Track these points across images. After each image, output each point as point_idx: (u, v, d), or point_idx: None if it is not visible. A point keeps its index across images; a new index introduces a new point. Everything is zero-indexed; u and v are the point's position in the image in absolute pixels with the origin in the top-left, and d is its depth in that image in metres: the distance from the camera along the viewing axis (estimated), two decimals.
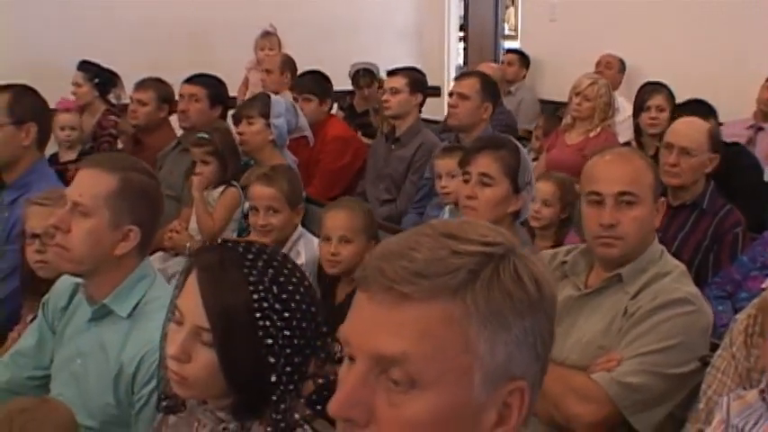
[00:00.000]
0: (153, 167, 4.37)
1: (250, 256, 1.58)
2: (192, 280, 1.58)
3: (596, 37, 6.60)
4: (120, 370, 2.12)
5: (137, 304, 2.19)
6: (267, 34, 6.06)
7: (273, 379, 1.55)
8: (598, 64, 6.36)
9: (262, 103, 4.00)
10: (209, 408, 1.65)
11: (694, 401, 2.28)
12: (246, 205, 3.91)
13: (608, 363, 2.21)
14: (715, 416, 1.95)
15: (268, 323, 1.54)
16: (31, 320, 2.75)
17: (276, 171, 3.36)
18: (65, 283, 2.38)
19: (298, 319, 1.57)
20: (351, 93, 6.70)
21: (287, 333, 1.56)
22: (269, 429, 1.56)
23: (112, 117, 5.54)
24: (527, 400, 1.01)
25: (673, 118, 4.48)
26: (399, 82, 4.69)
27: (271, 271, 1.58)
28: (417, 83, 4.76)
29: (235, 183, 3.88)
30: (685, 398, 2.29)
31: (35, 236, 2.69)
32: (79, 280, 2.28)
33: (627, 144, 4.75)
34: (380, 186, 4.71)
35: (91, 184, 2.17)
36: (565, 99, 5.82)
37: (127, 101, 5.61)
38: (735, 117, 5.08)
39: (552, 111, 6.41)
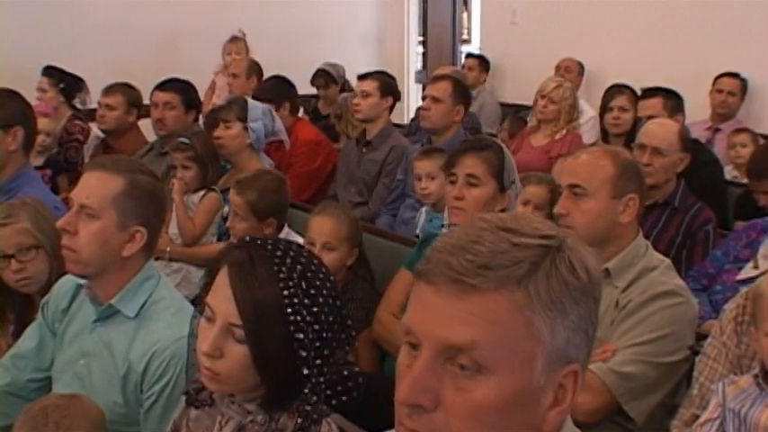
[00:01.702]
0: None
1: (279, 253, 1.61)
2: (223, 277, 1.61)
3: (556, 41, 6.75)
4: (129, 369, 2.14)
5: (143, 304, 2.21)
6: (235, 39, 6.07)
7: (306, 372, 1.58)
8: (557, 68, 6.50)
9: (239, 107, 4.01)
10: (237, 400, 1.68)
11: (682, 389, 2.40)
12: (226, 209, 3.94)
13: (603, 353, 2.31)
14: (711, 401, 2.06)
15: (299, 318, 1.57)
16: (14, 333, 2.73)
17: (253, 180, 3.39)
18: (65, 284, 2.38)
19: (325, 313, 1.61)
20: (315, 96, 6.75)
21: (316, 327, 1.59)
22: (299, 420, 1.60)
23: (78, 122, 5.51)
24: (579, 381, 1.08)
25: (638, 100, 4.64)
26: (370, 85, 4.74)
27: (299, 267, 1.61)
28: (388, 86, 4.81)
29: (214, 187, 3.90)
30: (674, 386, 2.41)
31: (9, 257, 2.63)
32: (81, 281, 2.29)
33: (593, 145, 4.86)
34: (352, 189, 4.76)
35: (98, 186, 2.18)
36: (525, 102, 5.96)
37: (92, 106, 5.59)
38: (693, 119, 5.25)
39: (513, 114, 6.54)
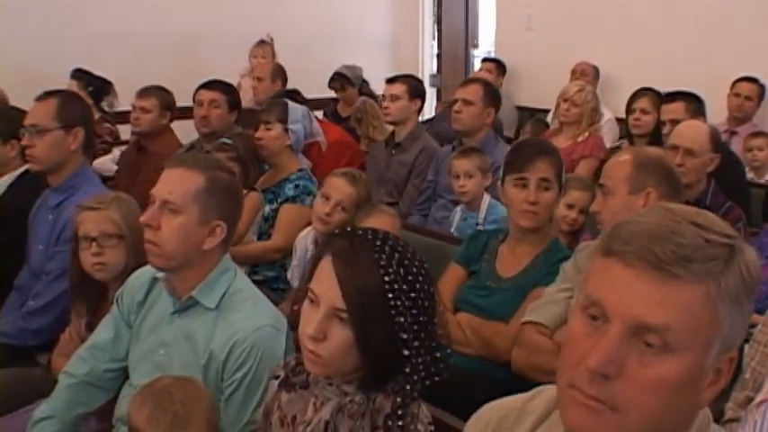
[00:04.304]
0: (158, 173, 4.50)
1: (378, 242, 1.71)
2: (326, 265, 1.70)
3: (571, 46, 6.88)
4: (210, 358, 2.21)
5: (222, 296, 2.29)
6: (262, 43, 6.19)
7: (406, 353, 1.69)
8: (573, 72, 6.62)
9: (279, 109, 4.11)
10: (335, 382, 1.78)
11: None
12: (267, 208, 4.04)
13: None
14: (765, 383, 2.17)
15: (399, 302, 1.67)
16: (87, 324, 2.84)
17: (361, 177, 3.49)
18: (140, 278, 2.46)
19: (421, 298, 1.70)
20: (333, 99, 6.87)
21: (414, 311, 1.69)
22: (398, 399, 1.70)
23: (107, 125, 5.61)
24: (733, 365, 1.20)
25: (660, 103, 4.75)
26: (399, 89, 4.88)
27: (397, 255, 1.70)
28: (416, 89, 4.95)
29: (255, 187, 4.00)
30: None
31: (91, 239, 2.74)
32: (158, 274, 2.38)
33: (617, 147, 4.99)
34: (382, 190, 4.86)
35: (179, 182, 2.27)
36: (541, 105, 6.07)
37: (120, 108, 5.70)
38: (710, 121, 5.36)
39: (528, 117, 6.66)
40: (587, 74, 6.58)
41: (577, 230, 3.69)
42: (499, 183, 3.05)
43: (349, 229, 1.81)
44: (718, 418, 2.36)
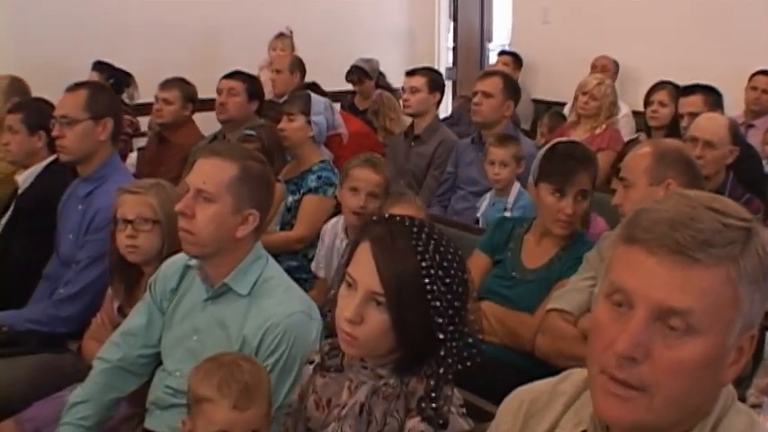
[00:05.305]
0: (180, 164, 4.57)
1: (415, 229, 1.76)
2: (364, 250, 1.75)
3: (587, 39, 6.89)
4: (243, 343, 2.26)
5: (254, 283, 2.34)
6: (281, 35, 6.23)
7: (441, 337, 1.73)
8: (593, 66, 6.59)
9: (302, 101, 4.16)
10: (370, 365, 1.82)
11: (749, 362, 2.55)
12: (289, 199, 4.10)
13: None
14: None
15: (435, 287, 1.71)
16: (119, 307, 2.90)
17: (380, 160, 3.54)
18: (173, 265, 2.50)
19: (456, 283, 1.75)
20: (351, 92, 6.91)
21: (449, 297, 1.73)
22: (432, 383, 1.74)
23: (127, 116, 5.66)
24: (754, 343, 1.24)
25: (678, 96, 4.78)
26: (419, 81, 4.91)
27: (433, 241, 1.75)
28: (436, 82, 4.99)
29: (279, 178, 4.05)
30: None
31: (127, 222, 2.80)
32: (190, 262, 2.43)
33: (634, 140, 5.02)
34: (401, 182, 4.89)
35: (213, 172, 2.32)
36: (557, 98, 6.10)
37: (140, 100, 5.76)
38: (726, 114, 5.38)
39: (544, 110, 6.68)
40: (608, 69, 6.54)
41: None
42: (531, 180, 3.05)
43: (387, 215, 1.85)
44: None
